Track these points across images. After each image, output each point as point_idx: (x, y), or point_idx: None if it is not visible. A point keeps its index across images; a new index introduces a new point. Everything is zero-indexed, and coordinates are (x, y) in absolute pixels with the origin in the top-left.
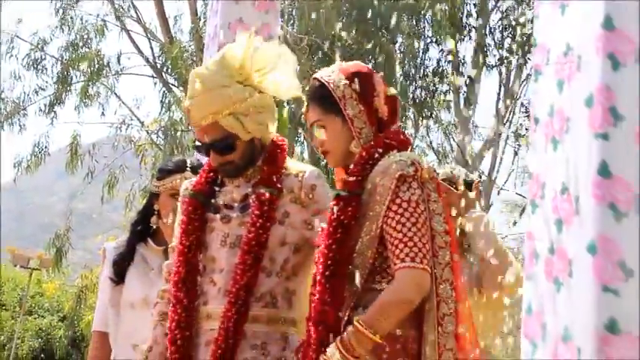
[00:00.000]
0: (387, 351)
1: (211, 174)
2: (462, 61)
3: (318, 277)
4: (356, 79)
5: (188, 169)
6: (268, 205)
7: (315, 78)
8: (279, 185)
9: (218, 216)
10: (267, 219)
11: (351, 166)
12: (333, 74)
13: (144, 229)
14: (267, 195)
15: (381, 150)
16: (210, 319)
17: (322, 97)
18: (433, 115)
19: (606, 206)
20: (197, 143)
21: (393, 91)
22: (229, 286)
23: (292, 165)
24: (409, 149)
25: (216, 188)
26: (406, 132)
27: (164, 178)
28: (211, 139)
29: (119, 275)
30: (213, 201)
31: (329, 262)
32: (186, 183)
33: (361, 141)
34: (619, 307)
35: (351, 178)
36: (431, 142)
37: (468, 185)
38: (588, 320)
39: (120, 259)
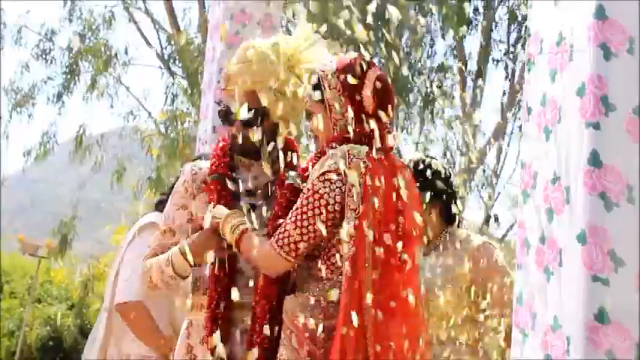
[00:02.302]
0: (297, 338)
1: (226, 159)
2: (468, 55)
3: None
4: (345, 71)
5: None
6: (294, 196)
7: (316, 67)
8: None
9: (241, 203)
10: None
11: (309, 158)
12: (329, 64)
13: None
14: (295, 185)
15: (335, 144)
16: (243, 309)
17: (315, 85)
18: (438, 110)
19: (597, 196)
20: (222, 108)
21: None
22: (258, 277)
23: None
24: (382, 143)
25: (232, 174)
26: (410, 126)
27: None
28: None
29: None
30: (233, 186)
31: None
32: (190, 166)
33: (335, 131)
34: (608, 297)
35: (306, 173)
36: (434, 136)
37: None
38: (578, 309)
39: None
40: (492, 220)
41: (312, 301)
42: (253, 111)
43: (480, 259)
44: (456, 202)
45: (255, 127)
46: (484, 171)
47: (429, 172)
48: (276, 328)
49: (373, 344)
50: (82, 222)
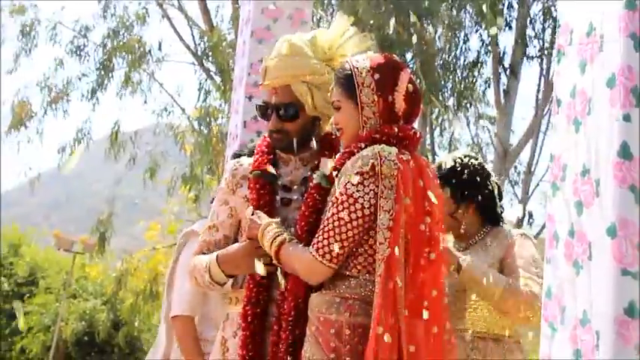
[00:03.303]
0: (322, 335)
1: (269, 155)
2: (503, 52)
3: None
4: (380, 70)
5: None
6: (322, 196)
7: (346, 61)
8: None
9: (277, 198)
10: (320, 209)
11: (337, 157)
12: (362, 61)
13: None
14: (323, 185)
15: (363, 145)
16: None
17: (345, 79)
18: (472, 107)
19: (627, 188)
20: (261, 103)
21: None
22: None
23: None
24: (405, 144)
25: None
26: (445, 123)
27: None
28: (278, 101)
29: None
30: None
31: (302, 243)
32: (233, 162)
33: (364, 130)
34: (638, 291)
35: (334, 172)
36: (467, 134)
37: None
38: (607, 303)
39: None
40: (526, 217)
41: (339, 298)
42: (289, 105)
43: (517, 247)
44: (495, 200)
45: (290, 122)
46: (516, 168)
47: (465, 171)
48: (302, 325)
49: (407, 344)
50: (117, 218)
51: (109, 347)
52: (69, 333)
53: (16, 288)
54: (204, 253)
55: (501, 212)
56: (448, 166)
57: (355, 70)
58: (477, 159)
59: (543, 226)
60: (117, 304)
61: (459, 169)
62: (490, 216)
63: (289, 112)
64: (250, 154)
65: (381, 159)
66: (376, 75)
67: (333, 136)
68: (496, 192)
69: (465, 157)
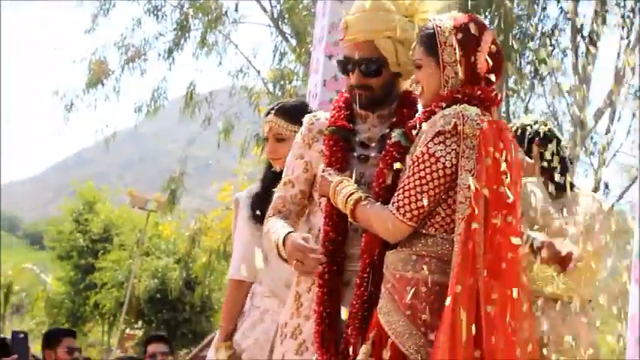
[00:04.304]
0: (398, 292)
1: (345, 111)
2: (582, 19)
3: None
4: (463, 30)
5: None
6: (400, 154)
7: (429, 19)
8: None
9: (354, 154)
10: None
11: (417, 116)
12: (445, 20)
13: (276, 172)
14: (402, 144)
15: (444, 104)
16: (352, 259)
17: (428, 38)
18: (549, 76)
19: None
20: (341, 58)
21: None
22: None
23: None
24: (485, 106)
25: (350, 126)
26: (521, 91)
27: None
28: (361, 57)
29: (260, 217)
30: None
31: (380, 200)
32: (309, 116)
33: (445, 89)
34: None
35: (414, 130)
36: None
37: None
38: None
39: (257, 200)
40: (602, 188)
41: (415, 256)
42: (373, 60)
43: (590, 208)
44: (567, 168)
45: (373, 77)
46: (592, 138)
47: (534, 137)
48: (377, 282)
49: (484, 305)
50: (190, 178)
51: (181, 305)
52: (142, 290)
53: (91, 244)
54: (279, 212)
55: (571, 178)
56: (517, 132)
57: (438, 29)
58: (545, 124)
59: (620, 197)
60: (189, 262)
61: (528, 135)
62: (562, 184)
63: (373, 67)
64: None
65: (463, 118)
66: (459, 35)
67: (413, 95)
68: (567, 158)
69: (535, 123)
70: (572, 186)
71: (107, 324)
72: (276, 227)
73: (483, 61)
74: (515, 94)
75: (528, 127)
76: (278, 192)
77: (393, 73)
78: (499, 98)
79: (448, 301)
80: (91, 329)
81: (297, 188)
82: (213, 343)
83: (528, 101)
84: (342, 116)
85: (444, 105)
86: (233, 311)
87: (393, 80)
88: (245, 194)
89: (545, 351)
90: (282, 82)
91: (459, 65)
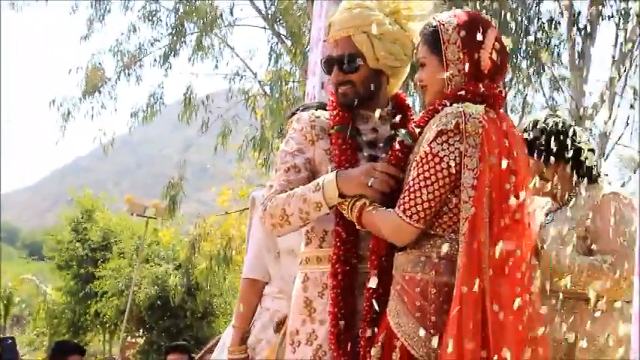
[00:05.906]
0: (407, 294)
1: (348, 111)
2: (577, 12)
3: None
4: (466, 27)
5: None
6: (405, 154)
7: (433, 17)
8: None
9: (364, 154)
10: (404, 165)
11: (420, 114)
12: (448, 17)
13: None
14: (406, 143)
15: (448, 102)
16: (365, 260)
17: (431, 36)
18: (546, 68)
19: None
20: (326, 57)
21: (507, 42)
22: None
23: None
24: (490, 103)
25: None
26: (518, 85)
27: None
28: (338, 54)
29: None
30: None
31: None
32: (308, 113)
33: (449, 87)
34: None
35: (417, 129)
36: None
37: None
38: None
39: None
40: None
41: (424, 257)
42: (349, 56)
43: (603, 207)
44: (586, 156)
45: (353, 73)
46: (591, 130)
47: (547, 132)
48: (386, 284)
49: (491, 304)
50: (187, 184)
51: (182, 311)
52: (142, 297)
53: (90, 253)
54: (285, 192)
55: (596, 167)
56: (531, 129)
57: (441, 26)
58: (559, 116)
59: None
60: (190, 268)
61: (541, 130)
62: (583, 173)
63: (350, 62)
64: (308, 108)
65: (465, 117)
66: (462, 32)
67: (403, 96)
68: (586, 148)
69: (547, 117)
70: (598, 176)
71: (108, 333)
72: (303, 190)
73: (487, 58)
74: (513, 89)
75: (540, 123)
76: (280, 177)
77: (373, 69)
78: (504, 95)
79: (454, 301)
80: (92, 339)
81: (304, 173)
82: (220, 345)
83: (526, 95)
84: (345, 116)
85: (447, 103)
86: (247, 311)
87: (376, 77)
88: (261, 193)
89: (577, 351)
90: (279, 84)
91: (462, 63)
